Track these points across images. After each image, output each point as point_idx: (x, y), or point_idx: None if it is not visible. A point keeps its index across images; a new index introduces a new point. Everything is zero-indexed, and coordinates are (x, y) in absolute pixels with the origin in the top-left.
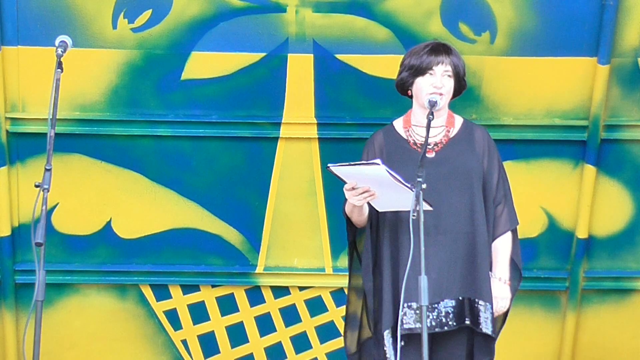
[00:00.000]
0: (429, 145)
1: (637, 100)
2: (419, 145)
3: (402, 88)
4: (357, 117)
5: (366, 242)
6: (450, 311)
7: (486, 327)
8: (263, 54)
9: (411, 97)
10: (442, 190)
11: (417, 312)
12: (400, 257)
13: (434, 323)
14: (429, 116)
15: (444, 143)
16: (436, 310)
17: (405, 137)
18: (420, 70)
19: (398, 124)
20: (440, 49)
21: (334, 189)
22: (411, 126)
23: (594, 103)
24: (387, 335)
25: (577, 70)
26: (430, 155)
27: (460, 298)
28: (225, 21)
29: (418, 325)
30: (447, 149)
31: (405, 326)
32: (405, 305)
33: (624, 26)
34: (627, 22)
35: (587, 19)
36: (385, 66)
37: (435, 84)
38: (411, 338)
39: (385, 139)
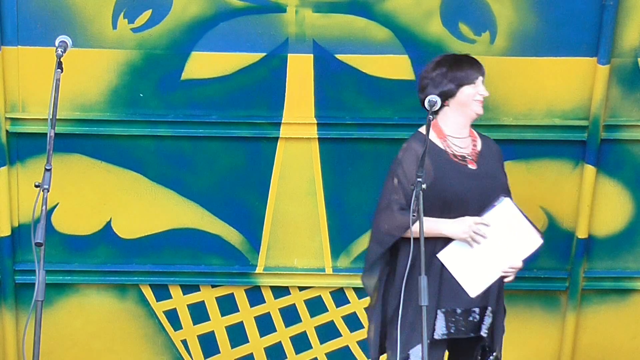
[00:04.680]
0: (468, 156)
1: (637, 100)
2: (458, 157)
3: (443, 98)
4: (357, 117)
5: (404, 250)
6: (477, 317)
7: (484, 331)
8: (263, 54)
9: (434, 111)
10: (484, 204)
11: (453, 317)
12: (433, 263)
13: (463, 328)
14: (429, 116)
15: (476, 155)
16: (472, 315)
17: (444, 148)
18: (467, 81)
19: (430, 134)
20: (475, 61)
21: (334, 189)
22: (447, 137)
23: (594, 103)
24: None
25: (577, 71)
26: (473, 167)
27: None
28: (225, 21)
29: (452, 330)
30: (483, 162)
31: (439, 331)
32: (441, 310)
33: (623, 26)
34: (627, 22)
35: (587, 19)
36: (385, 66)
37: (482, 92)
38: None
39: (428, 152)
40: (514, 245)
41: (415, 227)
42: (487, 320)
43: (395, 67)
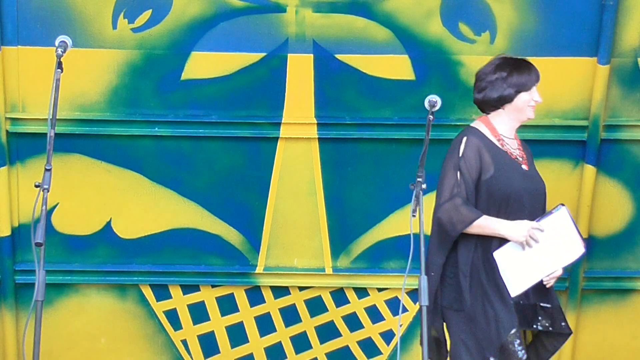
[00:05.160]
0: (520, 157)
1: (637, 100)
2: (513, 157)
3: (501, 102)
4: (356, 117)
5: (465, 246)
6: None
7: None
8: (263, 54)
9: (485, 110)
10: (534, 206)
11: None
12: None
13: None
14: (429, 116)
15: (525, 157)
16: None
17: (500, 147)
18: (526, 87)
19: (485, 131)
20: (533, 67)
21: (334, 189)
22: (501, 136)
23: (594, 103)
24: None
25: (577, 71)
26: (526, 168)
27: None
28: (225, 21)
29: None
30: (530, 164)
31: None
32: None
33: (623, 26)
34: (627, 22)
35: (587, 19)
36: (385, 66)
37: (537, 99)
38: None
39: (485, 148)
40: (559, 252)
41: (478, 222)
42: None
43: (395, 67)
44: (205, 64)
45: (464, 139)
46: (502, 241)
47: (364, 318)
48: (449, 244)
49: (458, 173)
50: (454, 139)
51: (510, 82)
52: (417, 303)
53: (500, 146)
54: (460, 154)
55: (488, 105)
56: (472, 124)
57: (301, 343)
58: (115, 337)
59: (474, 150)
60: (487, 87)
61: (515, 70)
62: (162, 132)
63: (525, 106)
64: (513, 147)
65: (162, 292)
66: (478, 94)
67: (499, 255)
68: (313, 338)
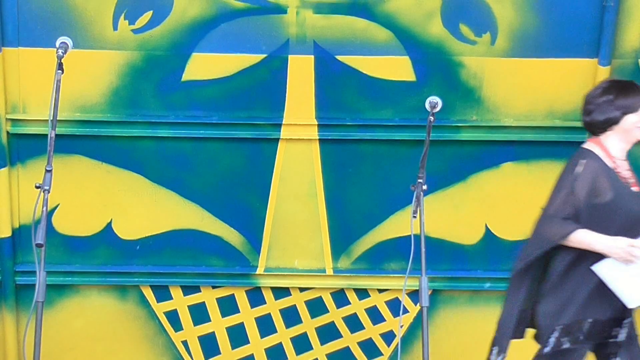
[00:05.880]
0: (632, 179)
1: None
2: (625, 180)
3: (608, 124)
4: (357, 118)
5: (561, 256)
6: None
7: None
8: (264, 55)
9: (595, 132)
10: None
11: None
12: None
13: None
14: (430, 117)
15: (635, 177)
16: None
17: (614, 169)
18: (632, 109)
19: (599, 153)
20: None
21: (334, 190)
22: (614, 158)
23: None
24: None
25: (578, 72)
26: (636, 189)
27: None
28: (225, 22)
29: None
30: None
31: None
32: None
33: (624, 27)
34: (628, 23)
35: (588, 20)
36: (385, 67)
37: None
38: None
39: (603, 172)
40: None
41: (574, 235)
42: (624, 330)
43: (396, 68)
44: (206, 65)
45: (584, 161)
46: (597, 257)
47: (364, 319)
48: (542, 250)
49: (569, 192)
50: (572, 157)
51: (617, 104)
52: (418, 304)
53: (614, 169)
54: (577, 174)
55: (596, 128)
56: (585, 146)
57: (302, 344)
58: (115, 338)
59: (592, 174)
60: (595, 110)
61: (621, 93)
62: (162, 133)
63: (633, 127)
64: (624, 168)
65: (162, 293)
66: (586, 116)
67: (599, 268)
68: (314, 339)
